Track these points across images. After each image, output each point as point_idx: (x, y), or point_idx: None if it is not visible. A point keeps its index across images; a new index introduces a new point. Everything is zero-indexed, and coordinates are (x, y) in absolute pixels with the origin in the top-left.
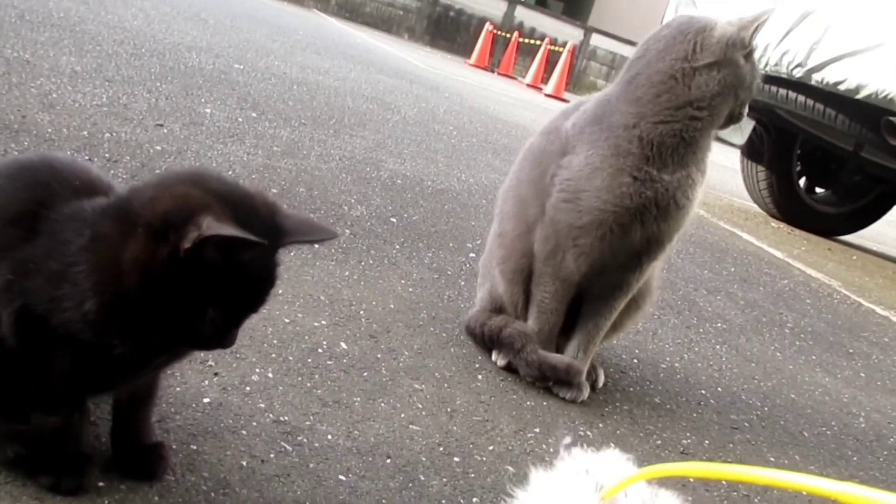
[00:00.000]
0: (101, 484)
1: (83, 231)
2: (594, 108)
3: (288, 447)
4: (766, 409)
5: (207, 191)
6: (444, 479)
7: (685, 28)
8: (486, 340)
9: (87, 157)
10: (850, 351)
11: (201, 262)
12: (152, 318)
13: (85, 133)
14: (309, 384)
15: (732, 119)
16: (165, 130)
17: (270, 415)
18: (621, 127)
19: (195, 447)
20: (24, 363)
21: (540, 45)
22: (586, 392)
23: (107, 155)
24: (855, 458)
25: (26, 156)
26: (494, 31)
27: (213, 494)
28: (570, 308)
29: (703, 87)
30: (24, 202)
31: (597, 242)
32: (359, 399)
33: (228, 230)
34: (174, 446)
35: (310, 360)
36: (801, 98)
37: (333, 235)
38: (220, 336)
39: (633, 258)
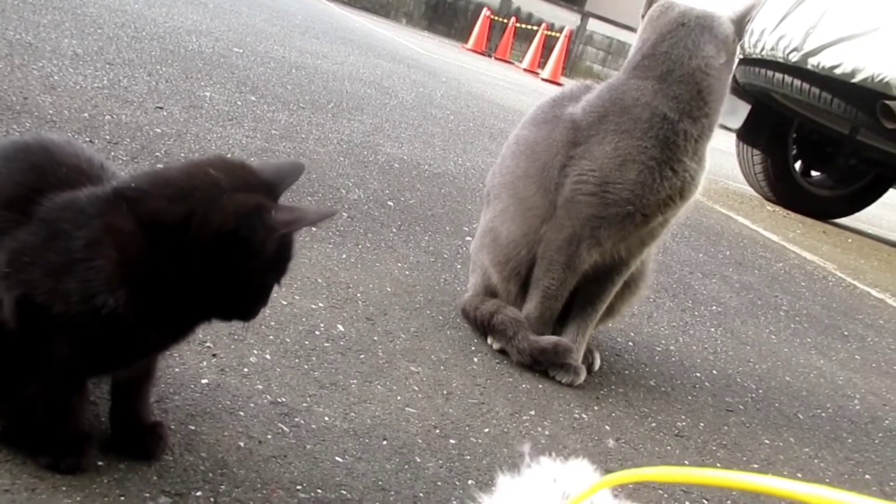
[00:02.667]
0: (100, 463)
1: (87, 223)
2: (611, 97)
3: (285, 428)
4: (760, 391)
5: (235, 186)
6: (440, 461)
7: (705, 23)
8: (479, 325)
9: (87, 139)
10: (845, 333)
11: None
12: (202, 302)
13: (86, 115)
14: (306, 366)
15: None
16: (165, 113)
17: (268, 396)
18: (662, 119)
19: (193, 427)
20: (25, 345)
21: (537, 31)
22: (583, 375)
23: (107, 137)
24: (850, 440)
25: (22, 138)
26: (492, 17)
27: (210, 474)
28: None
29: (726, 83)
30: (18, 186)
31: (617, 233)
32: (355, 381)
33: (302, 219)
34: (172, 426)
35: (307, 343)
36: (797, 82)
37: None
38: (265, 302)
39: (638, 244)
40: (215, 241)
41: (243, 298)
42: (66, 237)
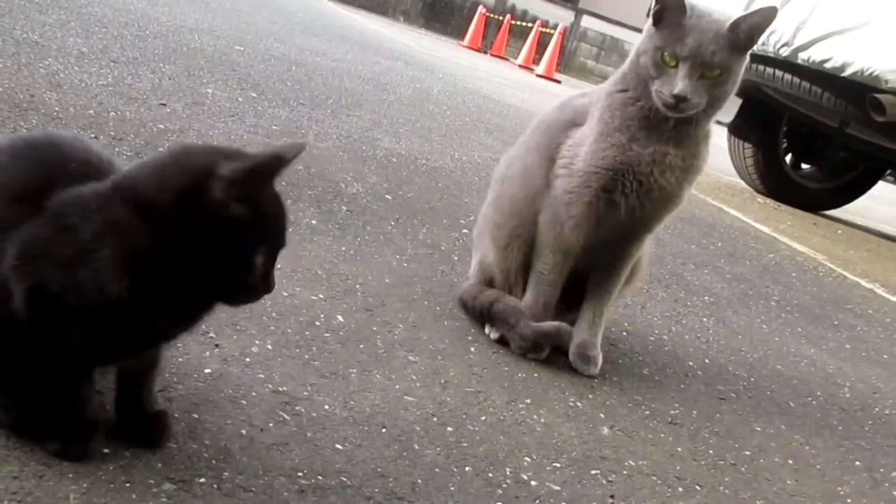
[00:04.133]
0: (105, 451)
1: (92, 216)
2: (605, 85)
3: (286, 416)
4: (752, 379)
5: (202, 153)
6: (438, 449)
7: None
8: (478, 314)
9: (92, 136)
10: (836, 323)
11: (233, 211)
12: (200, 283)
13: (91, 112)
14: (307, 356)
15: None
16: (168, 110)
17: (269, 385)
18: (605, 98)
19: (197, 416)
20: (34, 335)
21: (532, 27)
22: (600, 362)
23: (112, 133)
24: (840, 428)
25: (31, 134)
26: (487, 14)
27: (213, 461)
28: (571, 284)
29: (636, 55)
30: (28, 181)
31: (587, 210)
32: (355, 370)
33: (246, 162)
34: (176, 415)
35: (307, 333)
36: (788, 76)
37: (302, 146)
38: (266, 280)
39: (622, 235)
40: (179, 204)
41: (233, 270)
42: (74, 230)
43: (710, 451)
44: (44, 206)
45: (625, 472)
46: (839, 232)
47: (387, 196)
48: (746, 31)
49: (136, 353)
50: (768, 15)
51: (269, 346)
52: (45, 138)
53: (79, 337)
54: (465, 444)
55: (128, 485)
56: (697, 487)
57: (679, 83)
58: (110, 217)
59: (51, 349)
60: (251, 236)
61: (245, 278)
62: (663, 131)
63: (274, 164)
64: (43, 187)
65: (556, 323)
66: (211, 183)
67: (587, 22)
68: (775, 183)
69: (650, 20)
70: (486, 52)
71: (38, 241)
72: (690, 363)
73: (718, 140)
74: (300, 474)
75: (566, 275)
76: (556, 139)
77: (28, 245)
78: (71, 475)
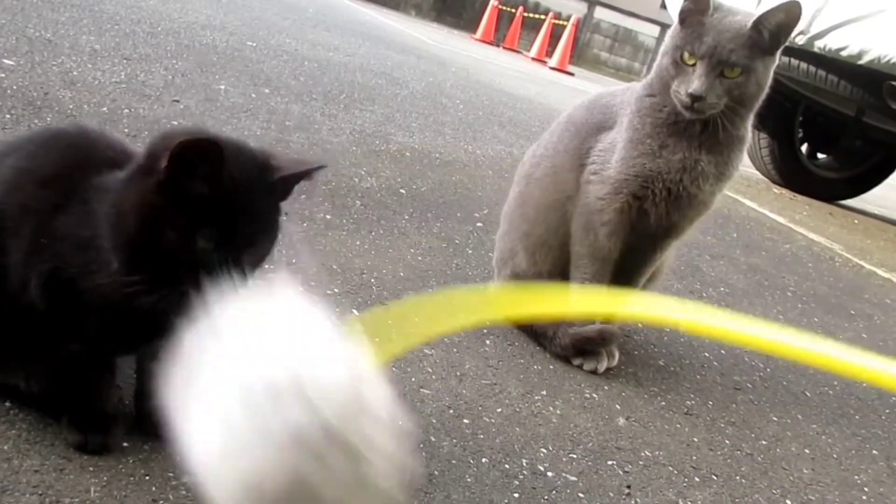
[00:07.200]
0: (125, 444)
1: (106, 200)
2: (637, 89)
3: None
4: (768, 370)
5: (195, 133)
6: (455, 440)
7: None
8: (523, 328)
9: None
10: (852, 312)
11: (185, 189)
12: (158, 261)
13: (105, 109)
14: None
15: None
16: (182, 106)
17: None
18: (635, 102)
19: None
20: (52, 324)
21: (544, 20)
22: (616, 359)
23: (126, 130)
24: (857, 417)
25: (61, 125)
26: (499, 6)
27: None
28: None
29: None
30: (56, 168)
31: (619, 216)
32: None
33: (195, 138)
34: None
35: None
36: (804, 65)
37: (323, 165)
38: (223, 271)
39: (649, 242)
40: (142, 165)
41: (173, 245)
42: (93, 214)
43: (727, 441)
44: (70, 192)
45: (641, 462)
46: (855, 221)
47: (401, 190)
48: (771, 29)
49: (155, 338)
50: (792, 10)
51: None
52: (75, 129)
53: (95, 322)
54: (482, 436)
55: (147, 478)
56: (714, 477)
57: (695, 81)
58: (113, 199)
59: (70, 336)
60: (198, 217)
61: (192, 261)
62: (693, 137)
63: (205, 146)
64: (72, 175)
65: (597, 325)
66: (165, 153)
67: (600, 13)
68: (791, 173)
69: (676, 20)
70: (498, 45)
71: (63, 223)
72: (706, 354)
73: None
74: None
75: (607, 283)
76: (587, 143)
77: (53, 226)
78: (91, 468)
